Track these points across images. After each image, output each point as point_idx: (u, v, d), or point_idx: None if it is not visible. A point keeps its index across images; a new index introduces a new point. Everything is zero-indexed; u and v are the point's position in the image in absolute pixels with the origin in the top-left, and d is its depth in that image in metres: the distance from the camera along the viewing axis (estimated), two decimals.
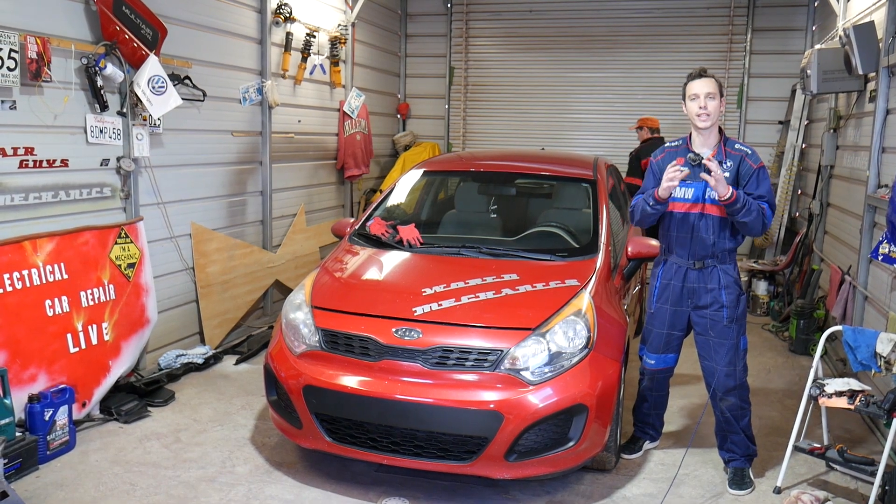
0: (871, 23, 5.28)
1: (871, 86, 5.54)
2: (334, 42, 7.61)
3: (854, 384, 3.87)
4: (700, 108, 3.77)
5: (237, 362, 5.69)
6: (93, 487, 3.77)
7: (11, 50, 3.91)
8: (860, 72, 5.34)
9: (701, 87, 3.78)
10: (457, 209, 5.37)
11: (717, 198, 3.68)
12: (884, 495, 3.59)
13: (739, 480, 3.95)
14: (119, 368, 4.67)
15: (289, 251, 7.01)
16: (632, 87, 9.18)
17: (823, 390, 3.83)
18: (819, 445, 3.94)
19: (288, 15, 6.65)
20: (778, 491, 3.88)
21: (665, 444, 4.46)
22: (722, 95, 3.84)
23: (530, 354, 3.60)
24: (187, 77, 5.38)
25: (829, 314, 6.12)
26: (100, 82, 4.57)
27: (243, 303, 6.32)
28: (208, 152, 5.85)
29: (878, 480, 3.56)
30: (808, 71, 6.06)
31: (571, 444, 3.58)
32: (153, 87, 4.79)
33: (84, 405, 4.38)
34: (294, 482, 3.91)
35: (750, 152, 3.85)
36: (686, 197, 3.88)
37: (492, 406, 3.48)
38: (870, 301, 5.20)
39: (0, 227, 4.08)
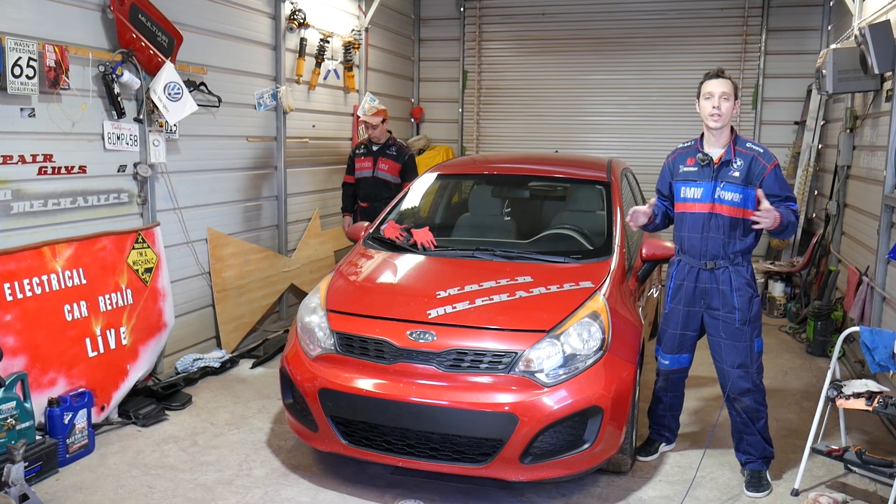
0: (887, 22, 5.24)
1: (887, 85, 5.50)
2: (348, 47, 7.65)
3: (872, 385, 3.85)
4: (713, 107, 3.76)
5: (253, 366, 5.72)
6: (111, 490, 3.81)
7: (30, 58, 3.97)
8: (876, 71, 5.30)
9: (717, 86, 3.78)
10: (470, 212, 5.38)
11: (766, 229, 3.70)
12: None
13: (756, 483, 3.92)
14: (137, 372, 4.71)
15: (304, 255, 7.04)
16: (645, 89, 9.14)
17: (841, 392, 3.81)
18: (837, 447, 3.91)
19: (302, 21, 6.70)
20: (795, 493, 3.85)
21: (681, 446, 4.44)
22: (737, 98, 3.82)
23: (545, 356, 3.60)
24: (203, 83, 5.43)
25: (846, 315, 6.07)
26: (117, 89, 4.62)
27: (259, 307, 6.36)
28: (224, 158, 5.91)
29: None
30: (824, 71, 6.02)
31: (586, 446, 3.57)
32: (169, 94, 4.84)
33: (103, 409, 4.43)
34: (310, 485, 3.93)
35: (762, 151, 3.83)
36: (696, 197, 3.88)
37: (507, 408, 3.49)
38: (888, 302, 5.16)
39: (20, 233, 4.14)
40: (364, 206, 6.61)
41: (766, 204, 3.63)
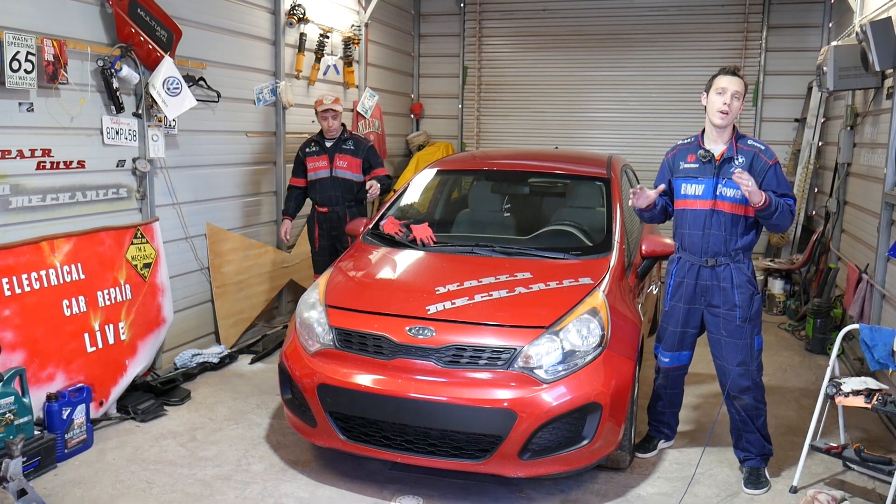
0: (889, 19, 5.22)
1: (888, 82, 5.49)
2: (348, 42, 7.63)
3: (871, 383, 3.84)
4: (724, 104, 3.74)
5: (252, 361, 5.72)
6: (110, 485, 3.81)
7: (28, 52, 3.96)
8: (877, 68, 5.28)
9: (730, 84, 3.76)
10: (470, 208, 5.38)
11: (752, 205, 3.66)
12: None
13: (755, 480, 3.92)
14: (135, 368, 4.71)
15: (303, 251, 7.02)
16: (646, 86, 9.13)
17: (840, 389, 3.80)
18: (836, 445, 3.91)
19: (301, 16, 6.68)
20: (794, 490, 3.85)
21: (680, 443, 4.43)
22: (744, 98, 3.83)
23: (544, 353, 3.60)
24: (202, 78, 5.42)
25: (846, 313, 6.07)
26: (115, 84, 4.61)
27: (258, 302, 6.35)
28: (223, 153, 5.89)
29: (895, 480, 3.52)
30: (825, 68, 6.01)
31: (585, 442, 3.57)
32: (168, 89, 4.83)
33: (101, 404, 4.42)
34: (309, 480, 3.93)
35: (763, 148, 3.83)
36: (697, 194, 3.86)
37: (505, 404, 3.48)
38: (887, 300, 5.15)
39: (18, 228, 4.12)
40: (323, 212, 5.87)
41: (743, 174, 3.53)
